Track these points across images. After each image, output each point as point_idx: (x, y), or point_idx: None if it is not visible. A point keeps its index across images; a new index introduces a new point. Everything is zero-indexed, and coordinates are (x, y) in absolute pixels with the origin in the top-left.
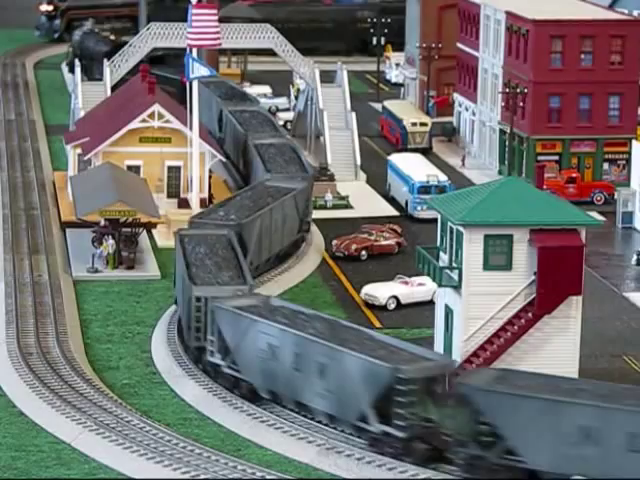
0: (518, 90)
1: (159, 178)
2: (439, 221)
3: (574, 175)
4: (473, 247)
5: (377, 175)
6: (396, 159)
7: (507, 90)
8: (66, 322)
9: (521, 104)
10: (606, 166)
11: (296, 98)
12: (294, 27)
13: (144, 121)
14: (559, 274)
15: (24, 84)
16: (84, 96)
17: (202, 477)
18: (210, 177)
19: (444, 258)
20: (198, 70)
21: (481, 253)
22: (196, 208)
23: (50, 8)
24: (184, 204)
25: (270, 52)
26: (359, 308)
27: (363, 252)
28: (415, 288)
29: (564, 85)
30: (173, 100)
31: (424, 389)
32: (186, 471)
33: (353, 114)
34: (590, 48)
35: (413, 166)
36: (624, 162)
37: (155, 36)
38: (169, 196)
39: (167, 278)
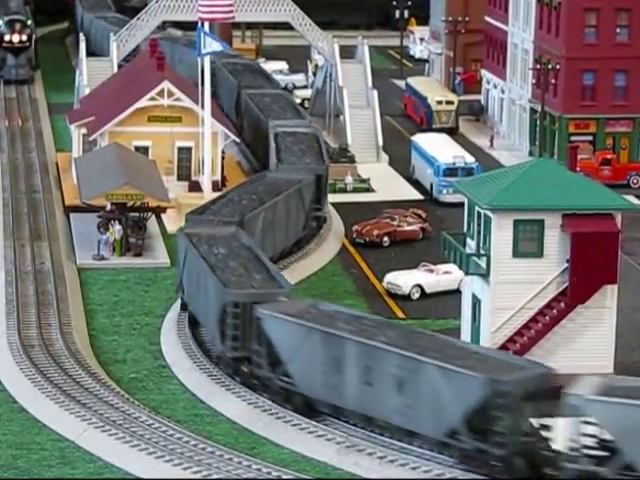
0: (550, 66)
1: (169, 160)
2: (466, 205)
3: (609, 156)
4: (502, 233)
5: (400, 157)
6: (420, 139)
7: (538, 66)
8: (70, 312)
9: (553, 81)
10: None
11: (314, 75)
12: None
13: (153, 99)
14: (593, 261)
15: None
16: (89, 72)
17: (214, 477)
18: (223, 158)
19: (471, 244)
20: (210, 45)
21: (510, 239)
22: (208, 191)
23: (23, 38)
24: (195, 187)
25: (286, 26)
26: (381, 298)
27: (385, 238)
28: (440, 276)
29: (598, 61)
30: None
31: (524, 402)
32: (197, 470)
33: (375, 92)
34: (626, 21)
35: (438, 147)
36: None
37: (164, 9)
38: (179, 179)
39: None
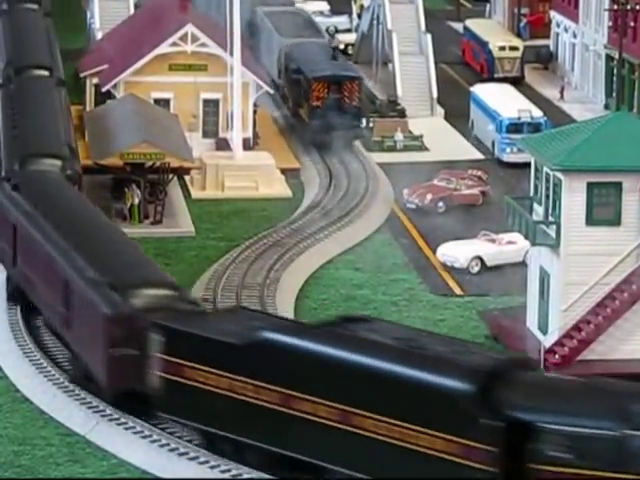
0: (629, 7)
1: (193, 114)
2: (532, 166)
3: None
4: (574, 197)
5: (457, 110)
6: (481, 91)
7: (615, 7)
8: None
9: (632, 24)
10: None
11: (359, 17)
12: None
13: (175, 45)
14: None
15: None
16: (102, 14)
17: (245, 477)
18: (255, 112)
19: (539, 211)
20: None
21: (583, 205)
22: (238, 150)
23: None
24: (223, 145)
25: None
26: (435, 271)
27: (440, 203)
28: (503, 247)
29: None
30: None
31: None
32: (225, 470)
33: (428, 36)
34: None
35: (501, 99)
36: None
37: None
38: (205, 136)
39: (202, 235)
